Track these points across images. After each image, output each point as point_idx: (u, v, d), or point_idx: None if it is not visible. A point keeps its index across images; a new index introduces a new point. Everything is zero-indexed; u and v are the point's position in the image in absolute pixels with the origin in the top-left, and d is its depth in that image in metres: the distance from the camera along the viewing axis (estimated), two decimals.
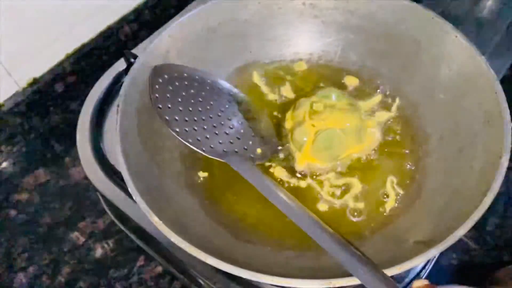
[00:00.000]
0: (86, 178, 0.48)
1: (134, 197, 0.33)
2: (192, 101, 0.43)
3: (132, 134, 0.39)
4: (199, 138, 0.41)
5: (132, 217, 0.45)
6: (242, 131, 0.44)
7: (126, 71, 0.56)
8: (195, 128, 0.41)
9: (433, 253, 0.30)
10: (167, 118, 0.40)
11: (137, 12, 0.67)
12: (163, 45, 0.44)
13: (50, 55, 0.60)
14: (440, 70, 0.43)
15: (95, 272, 0.49)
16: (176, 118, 0.41)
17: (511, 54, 0.57)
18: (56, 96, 0.62)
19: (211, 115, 0.43)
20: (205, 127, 0.42)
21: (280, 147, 0.45)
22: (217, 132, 0.42)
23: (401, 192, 0.41)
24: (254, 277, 0.29)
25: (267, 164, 0.43)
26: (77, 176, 0.55)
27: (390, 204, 0.40)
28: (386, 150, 0.44)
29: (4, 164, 0.57)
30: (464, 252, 0.48)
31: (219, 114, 0.44)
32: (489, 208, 0.32)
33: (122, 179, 0.35)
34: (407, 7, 0.44)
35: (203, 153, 0.40)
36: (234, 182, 0.42)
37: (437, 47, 0.43)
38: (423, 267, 0.43)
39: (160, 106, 0.40)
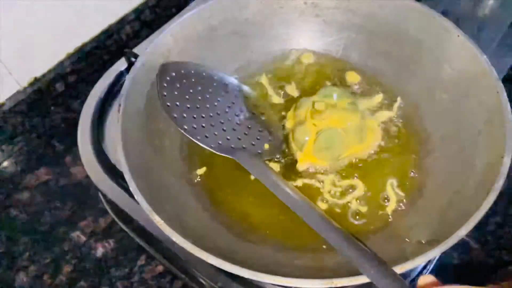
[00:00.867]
0: (87, 177, 0.48)
1: (135, 196, 0.33)
2: (200, 98, 0.43)
3: (133, 133, 0.39)
4: (207, 135, 0.41)
5: (133, 216, 0.45)
6: (249, 126, 0.44)
7: (127, 71, 0.56)
8: (203, 125, 0.41)
9: (435, 253, 0.30)
10: (175, 116, 0.40)
11: (138, 12, 0.67)
12: (164, 45, 0.44)
13: (51, 54, 0.60)
14: (441, 70, 0.43)
15: (96, 271, 0.49)
16: (184, 115, 0.41)
17: None
18: (57, 96, 0.62)
19: (218, 112, 0.43)
20: (213, 123, 0.42)
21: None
22: (225, 128, 0.42)
23: (403, 193, 0.41)
24: (255, 277, 0.29)
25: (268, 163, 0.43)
26: (78, 175, 0.55)
27: (391, 207, 0.40)
28: (387, 149, 0.44)
29: (5, 163, 0.57)
30: (465, 252, 0.47)
31: (227, 110, 0.44)
32: (490, 208, 0.32)
33: (123, 178, 0.35)
34: (409, 7, 0.44)
35: (212, 150, 0.40)
36: (236, 182, 0.42)
37: (439, 46, 0.43)
38: (425, 267, 0.43)
39: (169, 104, 0.41)
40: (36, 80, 0.59)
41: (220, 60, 0.48)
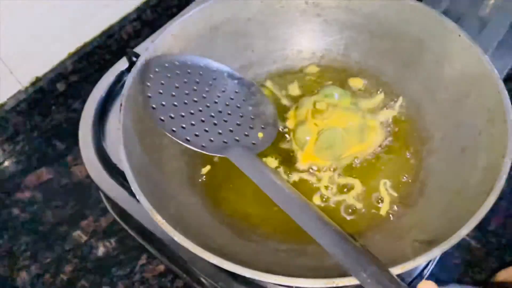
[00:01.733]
0: (88, 176, 0.48)
1: (137, 196, 0.33)
2: (187, 92, 0.41)
3: (135, 132, 0.39)
4: (197, 133, 0.39)
5: (134, 215, 0.45)
6: (241, 115, 0.42)
7: (128, 70, 0.56)
8: (193, 122, 0.39)
9: (436, 252, 0.30)
10: (162, 118, 0.38)
11: (139, 11, 0.67)
12: (165, 44, 0.44)
13: (52, 54, 0.60)
14: (443, 69, 0.43)
15: (97, 270, 0.49)
16: (172, 115, 0.39)
17: None
18: (58, 95, 0.62)
19: (208, 104, 0.41)
20: (203, 118, 0.40)
21: (282, 128, 0.44)
22: (215, 121, 0.40)
23: (403, 193, 0.41)
24: (257, 276, 0.29)
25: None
26: (80, 174, 0.55)
27: (390, 206, 0.40)
28: (388, 149, 0.44)
29: (7, 163, 0.57)
30: (466, 252, 0.48)
31: (216, 100, 0.42)
32: (491, 208, 0.32)
33: (124, 178, 0.35)
34: (410, 6, 0.44)
35: (203, 151, 0.38)
36: (237, 180, 0.42)
37: (440, 46, 0.43)
38: (425, 267, 0.43)
39: (154, 106, 0.38)
40: (38, 79, 0.60)
41: (221, 59, 0.48)
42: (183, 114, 0.39)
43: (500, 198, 0.32)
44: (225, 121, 0.41)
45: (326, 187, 0.42)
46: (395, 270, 0.29)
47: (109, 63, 0.58)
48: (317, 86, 0.48)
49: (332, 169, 0.43)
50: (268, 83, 0.49)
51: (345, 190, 0.41)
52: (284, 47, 0.50)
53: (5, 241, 0.51)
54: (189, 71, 0.42)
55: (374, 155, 0.43)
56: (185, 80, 0.41)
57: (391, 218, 0.40)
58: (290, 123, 0.45)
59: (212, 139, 0.39)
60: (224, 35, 0.47)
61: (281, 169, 0.43)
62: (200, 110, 0.40)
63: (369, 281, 0.28)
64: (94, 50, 0.63)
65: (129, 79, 0.40)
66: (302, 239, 0.37)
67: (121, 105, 0.38)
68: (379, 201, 0.41)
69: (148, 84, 0.39)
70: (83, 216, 0.52)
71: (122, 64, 0.57)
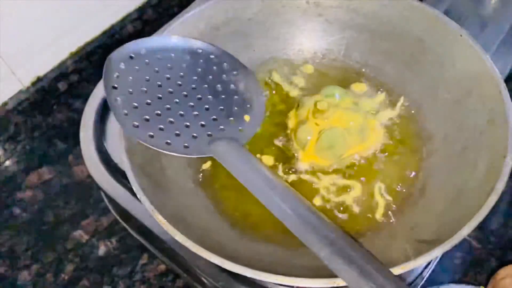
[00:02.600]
0: (89, 176, 0.48)
1: (138, 195, 0.33)
2: (159, 83, 0.36)
3: None
4: (178, 132, 0.35)
5: (135, 215, 0.45)
6: (223, 97, 0.37)
7: None
8: (171, 119, 0.35)
9: (437, 252, 0.30)
10: (136, 124, 0.34)
11: (140, 11, 0.67)
12: None
13: (54, 53, 0.60)
14: (444, 69, 0.43)
15: (98, 270, 0.49)
16: (147, 117, 0.34)
17: None
18: (60, 95, 0.62)
19: (185, 92, 0.36)
20: (182, 112, 0.36)
21: (266, 97, 0.40)
22: (196, 112, 0.36)
23: (404, 193, 0.41)
24: (258, 276, 0.29)
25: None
26: (81, 174, 0.56)
27: (390, 206, 0.40)
28: (389, 149, 0.44)
29: (8, 162, 0.57)
30: (467, 252, 0.48)
31: (193, 85, 0.37)
32: (492, 208, 0.32)
33: (125, 177, 0.35)
34: (411, 6, 0.44)
35: (185, 155, 0.35)
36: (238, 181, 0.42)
37: (442, 46, 0.43)
38: (426, 267, 0.42)
39: (126, 111, 0.34)
40: (39, 79, 0.60)
41: None
42: (158, 112, 0.35)
43: (500, 198, 0.32)
44: (207, 109, 0.37)
45: (327, 188, 0.42)
46: (396, 270, 0.29)
47: None
48: (318, 85, 0.48)
49: (332, 170, 0.43)
50: (277, 79, 0.49)
51: (348, 190, 0.41)
52: (285, 47, 0.50)
53: (6, 241, 0.51)
54: (158, 56, 0.38)
55: (375, 155, 0.43)
56: (156, 68, 0.37)
57: (392, 218, 0.40)
58: (291, 123, 0.45)
59: (195, 134, 0.35)
60: (225, 35, 0.47)
61: (280, 169, 0.43)
62: (177, 102, 0.36)
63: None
64: (95, 49, 0.63)
65: None
66: None
67: None
68: (380, 201, 0.41)
69: (115, 85, 0.34)
70: (84, 216, 0.52)
71: None
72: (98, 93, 0.54)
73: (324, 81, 0.49)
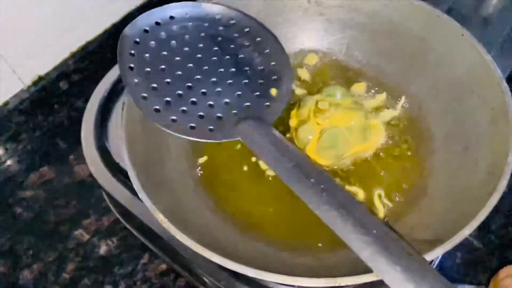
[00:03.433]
0: (90, 175, 0.49)
1: (139, 195, 0.33)
2: (178, 58, 0.32)
3: (137, 131, 0.39)
4: (202, 114, 0.32)
5: (136, 214, 0.45)
6: (247, 69, 0.34)
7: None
8: (194, 99, 0.32)
9: (438, 252, 0.30)
10: (157, 108, 0.31)
11: (141, 10, 0.67)
12: None
13: (55, 53, 0.60)
14: (446, 69, 0.43)
15: (99, 269, 0.49)
16: (168, 99, 0.31)
17: None
18: (61, 94, 0.62)
19: (206, 66, 0.33)
20: (204, 90, 0.32)
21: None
22: (220, 88, 0.33)
23: (405, 193, 0.41)
24: (259, 275, 0.29)
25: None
26: (82, 173, 0.56)
27: (390, 206, 0.40)
28: (390, 149, 0.44)
29: (9, 162, 0.57)
30: (468, 252, 0.47)
31: (214, 57, 0.33)
32: (494, 207, 0.32)
33: (127, 177, 0.35)
34: (413, 5, 0.44)
35: (213, 140, 0.32)
36: (238, 178, 0.42)
37: (443, 45, 0.43)
38: None
39: (145, 94, 0.31)
40: (40, 78, 0.60)
41: None
42: (180, 92, 0.32)
43: (502, 198, 0.32)
44: (230, 84, 0.33)
45: None
46: None
47: (111, 62, 0.58)
48: (319, 83, 0.48)
49: (332, 170, 0.43)
50: None
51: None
52: (287, 46, 0.50)
53: (7, 240, 0.51)
54: (174, 27, 0.34)
55: (376, 154, 0.43)
56: (173, 42, 0.33)
57: (392, 218, 0.40)
58: (292, 122, 0.45)
59: (219, 114, 0.32)
60: None
61: None
62: (198, 79, 0.32)
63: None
64: (96, 49, 0.63)
65: None
66: (305, 237, 0.37)
67: (123, 103, 0.38)
68: (380, 201, 0.41)
69: (131, 65, 0.31)
70: (86, 215, 0.52)
71: None
72: (100, 92, 0.55)
73: (325, 81, 0.49)
